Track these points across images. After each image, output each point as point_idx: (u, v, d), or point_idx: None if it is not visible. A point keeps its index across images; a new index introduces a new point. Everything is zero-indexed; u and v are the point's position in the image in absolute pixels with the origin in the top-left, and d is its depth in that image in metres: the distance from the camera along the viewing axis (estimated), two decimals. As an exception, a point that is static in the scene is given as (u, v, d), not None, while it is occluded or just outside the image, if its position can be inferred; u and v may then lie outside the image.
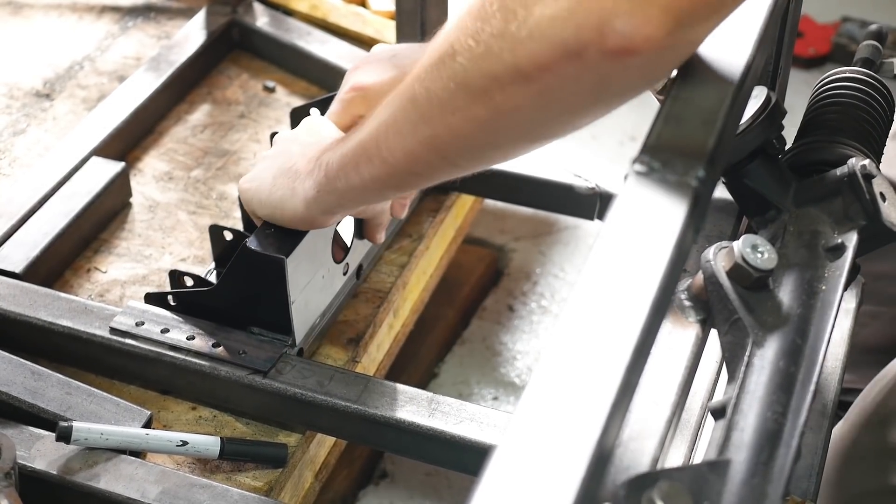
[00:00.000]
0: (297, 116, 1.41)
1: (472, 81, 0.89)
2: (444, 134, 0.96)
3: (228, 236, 1.33)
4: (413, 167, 1.02)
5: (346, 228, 1.34)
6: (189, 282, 1.32)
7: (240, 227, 1.37)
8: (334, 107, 1.30)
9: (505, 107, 0.89)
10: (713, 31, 0.86)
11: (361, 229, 1.34)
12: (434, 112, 0.95)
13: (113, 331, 1.28)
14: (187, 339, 1.27)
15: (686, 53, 0.87)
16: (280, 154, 1.22)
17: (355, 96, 1.27)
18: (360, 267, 1.39)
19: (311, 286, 1.28)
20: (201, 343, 1.26)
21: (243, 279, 1.25)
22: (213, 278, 1.35)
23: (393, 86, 1.29)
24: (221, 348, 1.26)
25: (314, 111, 1.39)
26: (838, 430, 1.35)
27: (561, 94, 0.87)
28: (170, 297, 1.30)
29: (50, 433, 1.18)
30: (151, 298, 1.31)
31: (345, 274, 1.36)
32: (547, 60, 0.84)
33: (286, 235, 1.22)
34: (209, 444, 1.20)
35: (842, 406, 1.23)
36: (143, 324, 1.28)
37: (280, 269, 1.21)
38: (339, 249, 1.34)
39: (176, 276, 1.32)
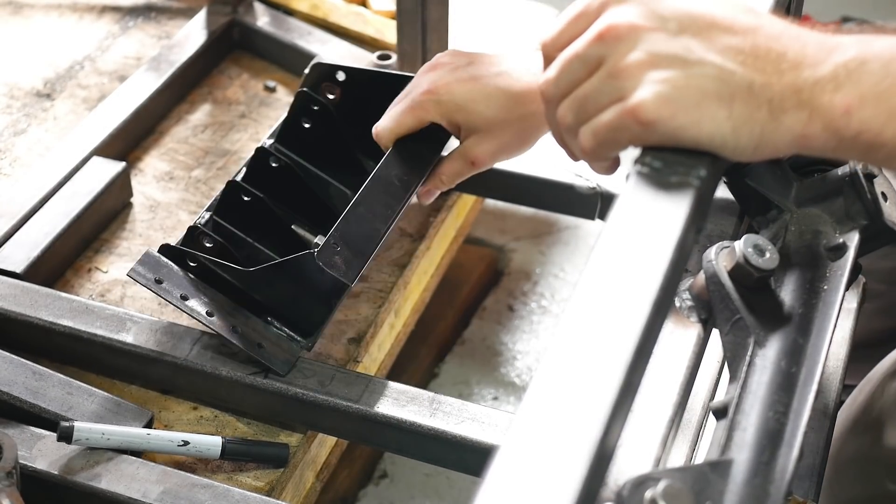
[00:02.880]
0: (316, 71, 1.37)
1: None
2: None
3: (247, 198, 1.29)
4: None
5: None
6: (208, 244, 1.26)
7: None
8: (402, 107, 1.24)
9: None
10: None
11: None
12: None
13: (131, 278, 1.23)
14: (207, 314, 1.23)
15: None
16: (684, 68, 0.81)
17: (428, 100, 1.22)
18: None
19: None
20: (221, 323, 1.22)
21: (289, 279, 1.21)
22: (208, 228, 1.29)
23: (471, 94, 1.21)
24: (240, 334, 1.23)
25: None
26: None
27: None
28: (189, 259, 1.24)
29: (51, 433, 1.18)
30: (169, 252, 1.25)
31: None
32: None
33: (354, 257, 1.17)
34: (210, 444, 1.20)
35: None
36: (162, 282, 1.24)
37: (339, 290, 1.20)
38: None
39: (196, 234, 1.26)
